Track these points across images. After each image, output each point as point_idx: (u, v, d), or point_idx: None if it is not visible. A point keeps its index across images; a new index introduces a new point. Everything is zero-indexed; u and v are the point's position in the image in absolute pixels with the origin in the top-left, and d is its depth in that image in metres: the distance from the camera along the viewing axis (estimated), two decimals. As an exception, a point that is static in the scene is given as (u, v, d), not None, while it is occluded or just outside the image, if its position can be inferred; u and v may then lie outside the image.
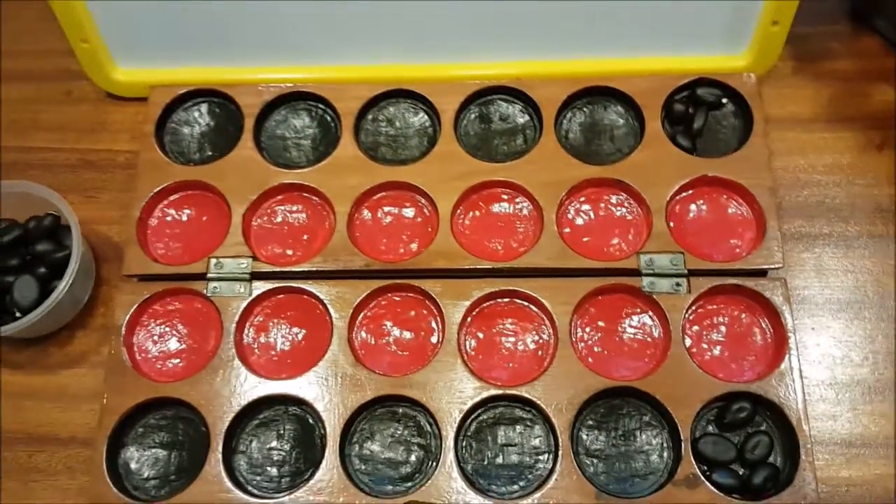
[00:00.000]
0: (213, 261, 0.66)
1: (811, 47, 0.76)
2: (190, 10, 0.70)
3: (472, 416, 0.62)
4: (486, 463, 0.61)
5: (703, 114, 0.69)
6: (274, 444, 0.62)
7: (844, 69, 0.75)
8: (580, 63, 0.72)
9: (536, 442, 0.61)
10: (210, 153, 0.72)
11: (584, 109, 0.71)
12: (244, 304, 0.65)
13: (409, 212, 0.69)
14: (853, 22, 0.77)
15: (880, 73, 0.75)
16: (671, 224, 0.66)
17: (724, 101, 0.70)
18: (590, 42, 0.72)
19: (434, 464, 0.60)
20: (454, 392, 0.61)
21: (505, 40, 0.72)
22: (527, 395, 0.61)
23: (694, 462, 0.59)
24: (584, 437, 0.61)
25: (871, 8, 0.75)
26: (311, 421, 0.62)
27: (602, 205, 0.68)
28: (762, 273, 0.64)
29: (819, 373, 0.64)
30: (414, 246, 0.67)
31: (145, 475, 0.62)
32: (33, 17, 0.81)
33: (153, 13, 0.70)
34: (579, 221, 0.67)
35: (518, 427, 0.62)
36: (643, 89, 0.70)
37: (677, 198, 0.67)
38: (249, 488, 0.61)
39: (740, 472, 0.59)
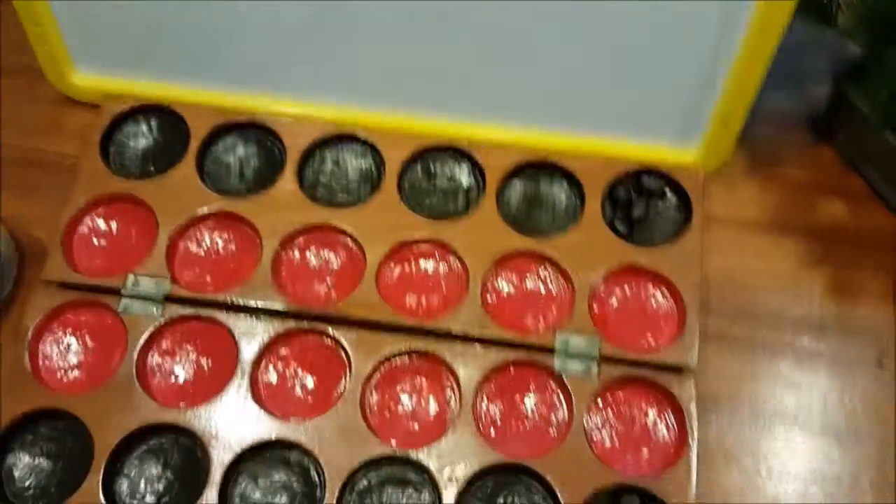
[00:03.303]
0: (131, 278, 0.65)
1: (766, 150, 0.76)
2: (158, 26, 0.70)
3: (363, 472, 0.61)
4: (367, 522, 0.60)
5: (644, 202, 0.69)
6: (158, 472, 0.61)
7: (796, 177, 0.75)
8: (534, 135, 0.72)
9: (422, 508, 0.60)
10: (153, 169, 0.72)
11: (530, 181, 0.71)
12: (153, 325, 0.64)
13: (337, 257, 0.68)
14: (813, 132, 0.77)
15: (832, 187, 0.75)
16: (594, 307, 0.66)
17: (668, 192, 0.70)
18: (547, 116, 0.72)
19: (314, 516, 0.59)
20: (348, 446, 0.61)
21: (464, 101, 0.72)
22: (419, 460, 0.60)
23: (572, 553, 0.58)
24: (470, 510, 0.60)
25: (859, 155, 0.74)
26: (198, 454, 0.61)
27: (529, 276, 0.67)
28: (676, 369, 0.63)
29: (721, 478, 0.63)
30: (336, 293, 0.67)
31: (27, 484, 0.61)
32: (11, 11, 0.82)
33: (120, 21, 0.70)
34: (504, 291, 0.67)
35: (408, 490, 0.61)
36: (589, 169, 0.70)
37: (604, 282, 0.67)
38: (124, 513, 0.60)
39: (619, 571, 0.58)
